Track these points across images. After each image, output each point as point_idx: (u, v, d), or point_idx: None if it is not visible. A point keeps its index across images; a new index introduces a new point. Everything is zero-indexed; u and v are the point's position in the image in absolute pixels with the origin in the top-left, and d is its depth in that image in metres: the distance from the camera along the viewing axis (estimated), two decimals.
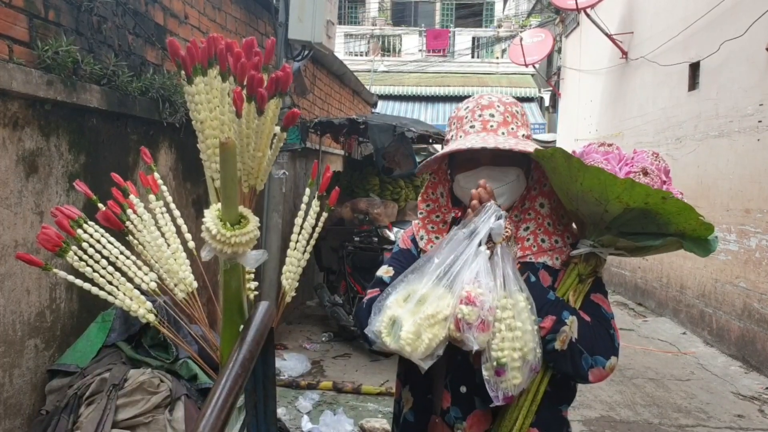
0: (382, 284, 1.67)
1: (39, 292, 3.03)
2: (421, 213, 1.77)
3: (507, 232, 1.49)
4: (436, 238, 1.70)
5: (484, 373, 1.43)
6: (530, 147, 1.54)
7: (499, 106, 1.64)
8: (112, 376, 2.92)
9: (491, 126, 1.60)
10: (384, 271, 1.75)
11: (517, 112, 1.66)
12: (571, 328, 1.51)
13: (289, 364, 5.67)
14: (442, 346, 1.44)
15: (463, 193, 1.67)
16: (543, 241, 1.63)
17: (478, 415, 1.60)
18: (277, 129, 1.37)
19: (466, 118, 1.64)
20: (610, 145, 1.59)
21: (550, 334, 1.50)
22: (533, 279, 1.57)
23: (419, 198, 1.79)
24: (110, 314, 3.26)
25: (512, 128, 1.61)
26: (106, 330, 3.22)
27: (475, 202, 1.51)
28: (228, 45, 1.26)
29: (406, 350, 1.41)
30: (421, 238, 1.73)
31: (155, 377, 2.97)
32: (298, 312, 7.77)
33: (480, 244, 1.45)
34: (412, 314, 1.43)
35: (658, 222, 1.45)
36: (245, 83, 1.22)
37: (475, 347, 1.39)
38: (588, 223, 1.57)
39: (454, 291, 1.42)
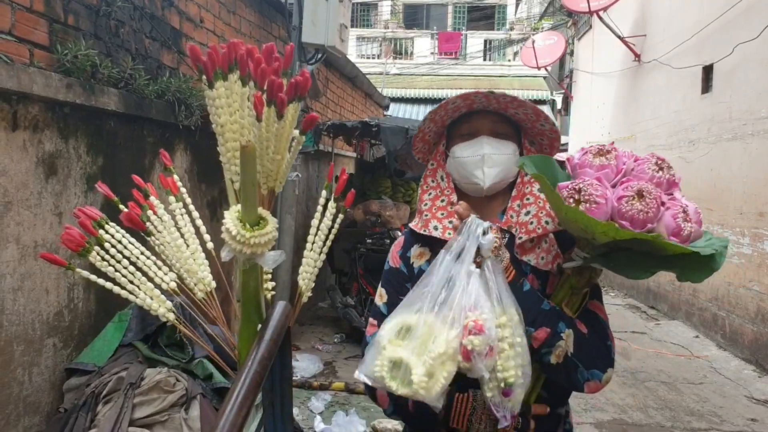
0: (381, 316, 1.61)
1: (57, 292, 3.08)
2: (425, 204, 1.67)
3: (496, 242, 1.43)
4: (450, 222, 1.60)
5: (488, 394, 1.37)
6: (531, 107, 1.57)
7: (503, 92, 1.63)
8: (129, 375, 2.96)
9: (492, 102, 1.59)
10: (379, 297, 1.70)
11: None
12: (567, 342, 1.46)
13: (302, 364, 5.70)
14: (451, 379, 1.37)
15: (458, 166, 1.60)
16: (547, 223, 1.56)
17: None
18: (296, 132, 1.40)
19: (462, 97, 1.60)
20: (608, 153, 1.43)
21: (545, 347, 1.46)
22: (527, 287, 1.49)
23: (420, 191, 1.71)
24: (127, 314, 3.31)
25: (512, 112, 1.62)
26: (123, 329, 3.26)
27: (456, 221, 1.49)
28: (248, 50, 1.29)
29: (420, 394, 1.33)
30: (435, 228, 1.60)
31: (171, 376, 3.01)
32: (310, 313, 7.81)
33: (470, 264, 1.40)
34: (417, 354, 1.34)
35: (654, 246, 1.34)
36: (265, 88, 1.25)
37: (486, 375, 1.35)
38: (580, 238, 1.48)
39: (455, 320, 1.36)
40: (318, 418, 4.64)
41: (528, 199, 1.60)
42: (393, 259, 1.71)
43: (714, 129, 7.56)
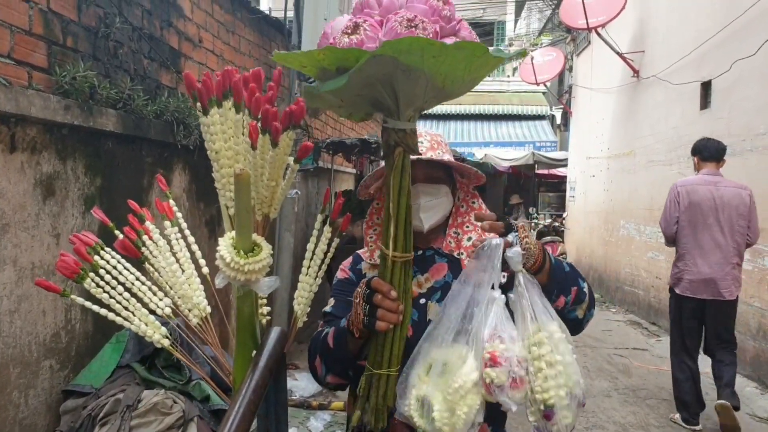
0: (327, 314, 1.82)
1: (55, 314, 3.07)
2: (370, 237, 1.85)
3: (524, 252, 1.38)
4: None
5: (531, 419, 1.33)
6: (455, 163, 1.76)
7: (426, 135, 1.79)
8: (126, 396, 2.95)
9: (421, 151, 1.71)
10: (328, 305, 1.85)
11: (442, 141, 1.82)
12: (587, 295, 1.59)
13: (301, 384, 5.67)
14: (481, 411, 1.34)
15: None
16: None
17: None
18: (291, 160, 1.40)
19: None
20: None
21: (574, 305, 1.57)
22: (554, 260, 1.54)
23: (365, 226, 1.87)
24: (124, 335, 3.29)
25: (439, 153, 1.76)
26: (120, 351, 3.25)
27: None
28: (243, 78, 1.29)
29: (443, 431, 1.31)
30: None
31: (168, 398, 2.99)
32: (310, 331, 7.77)
33: (494, 288, 1.34)
34: (439, 389, 1.31)
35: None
36: (260, 116, 1.25)
37: (514, 408, 1.30)
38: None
39: (472, 352, 1.32)
40: None
41: (467, 227, 1.80)
42: (342, 273, 1.89)
43: None
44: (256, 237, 1.38)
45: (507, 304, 1.37)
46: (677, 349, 5.10)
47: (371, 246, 1.83)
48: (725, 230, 4.83)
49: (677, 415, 5.16)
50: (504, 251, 1.37)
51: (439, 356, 1.33)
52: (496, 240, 1.37)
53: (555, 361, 1.31)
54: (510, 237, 1.40)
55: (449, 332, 1.34)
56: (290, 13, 6.26)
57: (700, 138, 5.18)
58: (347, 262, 1.92)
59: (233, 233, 1.37)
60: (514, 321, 1.37)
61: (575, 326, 1.58)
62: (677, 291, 5.04)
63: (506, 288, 1.40)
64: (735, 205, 4.84)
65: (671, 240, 5.11)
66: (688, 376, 5.03)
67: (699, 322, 5.01)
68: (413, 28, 1.23)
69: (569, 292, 1.55)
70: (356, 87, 1.27)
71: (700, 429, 5.05)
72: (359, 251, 1.90)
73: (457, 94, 1.36)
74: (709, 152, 5.01)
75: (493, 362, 1.28)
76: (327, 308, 1.84)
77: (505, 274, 1.40)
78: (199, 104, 1.35)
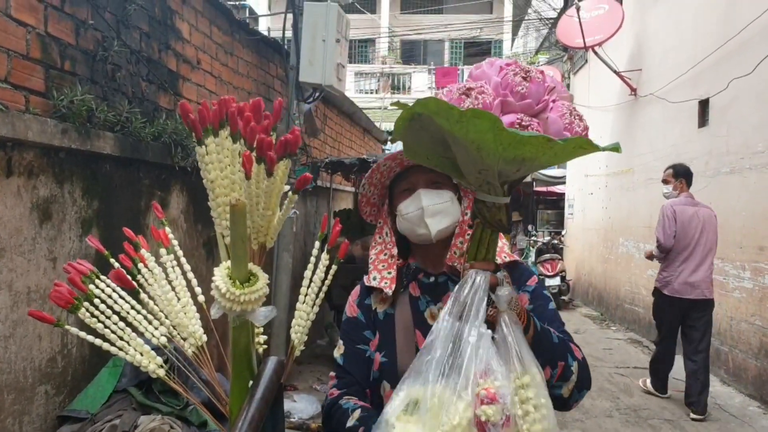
0: (338, 368, 1.72)
1: (51, 338, 3.05)
2: (371, 258, 1.79)
3: (514, 294, 1.35)
4: (389, 273, 1.72)
5: None
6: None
7: None
8: (122, 422, 2.91)
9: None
10: (337, 350, 1.77)
11: None
12: (576, 374, 1.51)
13: (299, 405, 5.62)
14: None
15: (405, 221, 1.69)
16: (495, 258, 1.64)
17: None
18: (288, 190, 1.38)
19: (391, 158, 1.72)
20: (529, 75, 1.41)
21: (559, 381, 1.48)
22: (539, 325, 1.48)
23: (371, 249, 1.81)
24: (121, 359, 3.26)
25: None
26: (117, 375, 3.22)
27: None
28: (239, 108, 1.28)
29: None
30: (374, 279, 1.73)
31: (165, 424, 2.96)
32: (308, 352, 7.72)
33: (479, 323, 1.29)
34: (429, 429, 1.22)
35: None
36: (254, 145, 1.24)
37: None
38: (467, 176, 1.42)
39: (465, 389, 1.25)
40: None
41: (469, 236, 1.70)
42: (350, 308, 1.80)
43: (712, 163, 7.57)
44: (252, 266, 1.36)
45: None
46: (664, 340, 6.31)
47: (370, 267, 1.76)
48: (702, 242, 5.92)
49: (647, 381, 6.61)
50: (492, 288, 1.33)
51: (424, 393, 1.26)
52: (483, 274, 1.33)
53: (540, 404, 1.28)
54: (499, 274, 1.36)
55: (435, 367, 1.27)
56: (288, 33, 6.28)
57: (681, 163, 6.41)
58: (355, 295, 1.83)
59: (229, 263, 1.35)
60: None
61: (560, 405, 1.52)
62: (666, 293, 6.03)
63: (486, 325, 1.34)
64: (710, 222, 5.98)
65: (667, 251, 6.01)
66: (671, 356, 6.36)
67: (680, 320, 6.12)
68: (465, 96, 1.29)
69: (555, 365, 1.47)
70: (434, 146, 1.34)
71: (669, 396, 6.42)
72: (365, 276, 1.79)
73: (511, 173, 1.33)
74: (691, 180, 6.24)
75: (490, 399, 1.23)
76: (337, 355, 1.76)
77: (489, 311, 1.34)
78: (194, 134, 1.33)
